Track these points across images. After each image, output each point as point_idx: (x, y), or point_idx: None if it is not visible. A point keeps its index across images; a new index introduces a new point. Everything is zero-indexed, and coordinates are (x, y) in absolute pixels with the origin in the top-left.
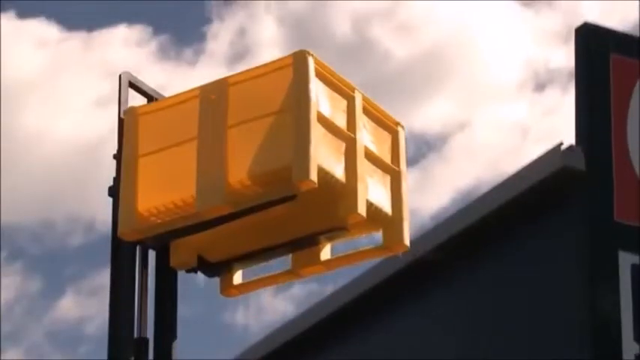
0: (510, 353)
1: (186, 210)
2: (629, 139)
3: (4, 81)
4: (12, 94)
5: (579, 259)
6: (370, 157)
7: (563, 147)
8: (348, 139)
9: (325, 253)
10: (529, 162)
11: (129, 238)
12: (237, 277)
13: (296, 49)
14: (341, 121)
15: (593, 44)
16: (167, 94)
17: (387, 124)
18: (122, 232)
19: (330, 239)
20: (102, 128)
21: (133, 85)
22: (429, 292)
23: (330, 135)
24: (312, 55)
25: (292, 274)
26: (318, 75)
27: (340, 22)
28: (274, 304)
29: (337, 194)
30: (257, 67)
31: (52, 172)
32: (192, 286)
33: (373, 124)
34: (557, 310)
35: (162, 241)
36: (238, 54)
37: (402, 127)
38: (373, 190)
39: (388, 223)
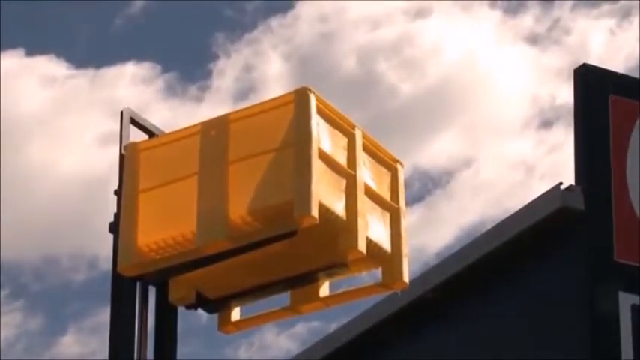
0: None
1: (186, 245)
2: (628, 178)
3: (9, 117)
4: (17, 130)
5: (579, 299)
6: (370, 194)
7: (562, 187)
8: (348, 176)
9: (324, 289)
10: (528, 202)
11: (128, 273)
12: (236, 314)
13: (302, 85)
14: (341, 158)
15: (592, 85)
16: (170, 130)
17: (386, 162)
18: (122, 267)
19: (329, 276)
20: (105, 165)
21: (135, 122)
22: (431, 330)
23: (330, 172)
24: (314, 92)
25: (291, 310)
26: (320, 112)
27: (346, 58)
28: (277, 341)
29: (337, 230)
30: (258, 104)
31: (55, 208)
32: (195, 321)
33: (373, 162)
34: (557, 351)
35: (162, 276)
36: (244, 90)
37: (401, 164)
38: (373, 227)
39: (387, 260)
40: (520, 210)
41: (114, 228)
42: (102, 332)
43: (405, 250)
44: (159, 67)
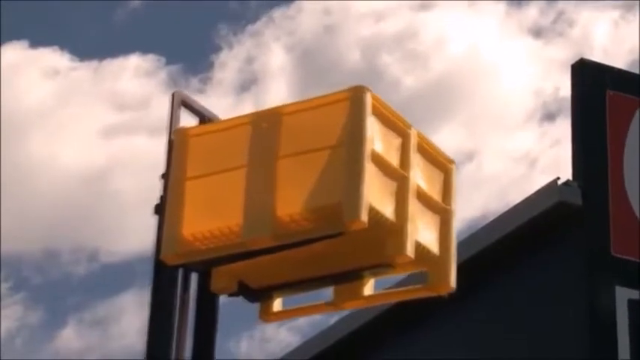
0: None
1: (231, 238)
2: (625, 173)
3: (11, 109)
4: (19, 122)
5: (576, 293)
6: (421, 195)
7: (560, 182)
8: (400, 177)
9: (368, 287)
10: (526, 197)
11: (171, 261)
12: (277, 304)
13: (304, 78)
14: (394, 159)
15: (590, 80)
16: (178, 123)
17: (439, 162)
18: (165, 256)
19: (374, 274)
20: (107, 158)
21: (186, 104)
22: (429, 324)
23: (382, 173)
24: (370, 91)
25: (333, 306)
26: (375, 111)
27: (349, 51)
28: (278, 334)
29: (386, 233)
30: (312, 99)
31: (56, 201)
32: None
33: (426, 161)
34: (554, 345)
35: (205, 266)
36: (246, 82)
37: (454, 163)
38: (422, 230)
39: (435, 262)
40: (518, 204)
41: (159, 210)
42: (102, 326)
43: (454, 253)
44: (163, 60)
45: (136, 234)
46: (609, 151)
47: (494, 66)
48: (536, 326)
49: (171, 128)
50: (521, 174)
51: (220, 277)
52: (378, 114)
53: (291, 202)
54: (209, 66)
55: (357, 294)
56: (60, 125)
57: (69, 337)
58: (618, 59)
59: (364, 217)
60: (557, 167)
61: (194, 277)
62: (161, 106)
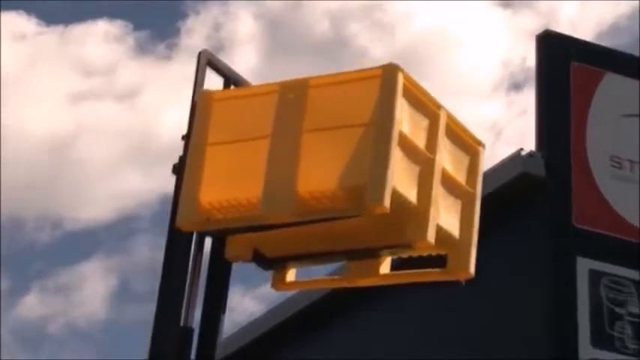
0: (470, 353)
1: (250, 210)
2: (588, 145)
3: None
4: None
5: (538, 264)
6: (446, 178)
7: (523, 153)
8: (426, 160)
9: (385, 266)
10: (489, 168)
11: (187, 228)
12: (291, 274)
13: (272, 46)
14: (421, 140)
15: (555, 51)
16: (144, 90)
17: (468, 143)
18: (181, 223)
19: (391, 254)
20: (74, 124)
21: (212, 65)
22: (377, 304)
23: (408, 156)
24: (402, 71)
25: (347, 281)
26: (405, 90)
27: (317, 20)
28: (243, 303)
29: (407, 215)
30: (341, 73)
31: (21, 167)
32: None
33: (454, 143)
34: (515, 315)
35: (221, 234)
36: (213, 49)
37: (484, 146)
38: (445, 214)
39: (455, 246)
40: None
41: (177, 170)
42: (65, 292)
43: (475, 237)
44: (130, 25)
45: (101, 201)
46: (572, 123)
47: (461, 36)
48: (499, 296)
49: (195, 89)
50: (487, 144)
51: (235, 244)
52: (409, 94)
53: (312, 179)
54: (176, 32)
55: (373, 271)
56: (26, 91)
57: (32, 304)
58: (586, 30)
59: (387, 202)
60: (524, 137)
61: (208, 241)
62: (129, 72)
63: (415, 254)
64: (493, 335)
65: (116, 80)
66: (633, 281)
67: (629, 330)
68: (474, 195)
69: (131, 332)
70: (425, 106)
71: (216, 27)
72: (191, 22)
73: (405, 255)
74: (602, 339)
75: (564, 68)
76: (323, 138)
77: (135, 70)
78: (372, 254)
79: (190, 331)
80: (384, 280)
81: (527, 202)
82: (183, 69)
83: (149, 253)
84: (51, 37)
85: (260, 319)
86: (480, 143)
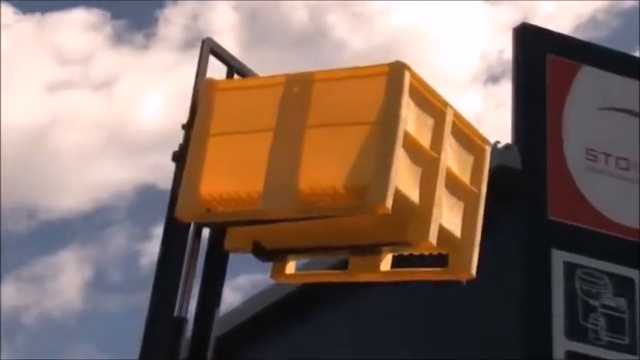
0: (444, 348)
1: (250, 204)
2: (563, 138)
3: None
4: None
5: (513, 256)
6: (451, 178)
7: (500, 146)
8: (431, 160)
9: (386, 262)
10: None
11: (186, 219)
12: (290, 267)
13: (250, 37)
14: (426, 139)
15: (531, 44)
16: (121, 80)
17: (474, 142)
18: (180, 214)
19: (392, 251)
20: (50, 113)
21: (216, 53)
22: (349, 294)
23: (413, 155)
24: (409, 69)
25: (348, 275)
26: (412, 89)
27: (296, 10)
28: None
29: (410, 215)
30: (347, 69)
31: None
32: (140, 273)
33: (459, 142)
34: (489, 306)
35: (220, 227)
36: (191, 39)
37: (490, 144)
38: (448, 214)
39: (457, 246)
40: None
41: (177, 158)
42: (40, 283)
43: (477, 238)
44: (108, 14)
45: (77, 191)
46: (548, 116)
47: (441, 28)
48: (473, 288)
49: (198, 77)
50: None
51: (235, 235)
52: (415, 92)
53: (314, 176)
54: (154, 22)
55: (374, 267)
56: (2, 79)
57: (6, 294)
58: (565, 24)
59: (389, 202)
60: (501, 130)
61: (205, 231)
62: (106, 62)
63: (416, 252)
64: (467, 327)
65: (93, 69)
66: (607, 273)
67: (602, 322)
68: (478, 195)
69: (106, 323)
70: (431, 104)
71: (195, 17)
72: (169, 12)
73: (405, 253)
74: (576, 331)
75: (541, 61)
76: (327, 134)
77: (112, 60)
78: (373, 250)
79: (184, 321)
80: (384, 276)
81: (503, 195)
82: (161, 58)
83: (125, 243)
84: (28, 25)
85: (238, 309)
86: (486, 142)
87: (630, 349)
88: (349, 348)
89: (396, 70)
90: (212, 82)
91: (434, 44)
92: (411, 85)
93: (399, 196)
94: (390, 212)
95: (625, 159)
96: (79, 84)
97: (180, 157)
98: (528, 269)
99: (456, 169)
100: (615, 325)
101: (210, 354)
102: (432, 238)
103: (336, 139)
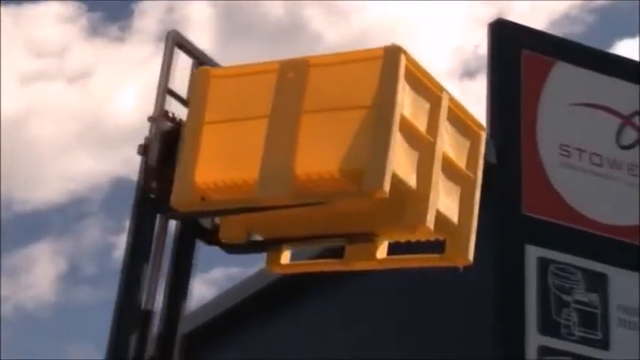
0: (417, 344)
1: (246, 192)
2: (538, 133)
3: None
4: None
5: (487, 251)
6: (447, 163)
7: None
8: (427, 144)
9: (382, 250)
10: None
11: (182, 208)
12: (285, 256)
13: (227, 30)
14: (423, 123)
15: (506, 40)
16: (96, 72)
17: (470, 127)
18: (176, 202)
19: (390, 237)
20: (25, 105)
21: (181, 46)
22: (338, 280)
23: (409, 139)
24: (405, 52)
25: (344, 264)
26: (407, 72)
27: (272, 4)
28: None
29: (407, 200)
30: (342, 53)
31: None
32: (114, 266)
33: (455, 127)
34: (462, 301)
35: (216, 215)
36: (165, 31)
37: (485, 130)
38: (444, 199)
39: (454, 232)
40: None
41: (144, 151)
42: (14, 275)
43: (474, 224)
44: (84, 7)
45: (52, 183)
46: (523, 111)
47: (417, 23)
48: (447, 282)
49: (164, 70)
50: None
51: (230, 224)
52: (411, 76)
53: (311, 162)
54: (129, 14)
55: (370, 255)
56: None
57: None
58: (539, 19)
59: (386, 186)
60: None
61: (172, 223)
62: (81, 54)
63: (414, 239)
64: (441, 321)
65: (68, 61)
66: (580, 269)
67: (575, 317)
68: (474, 180)
69: (80, 315)
70: (427, 88)
71: (170, 10)
72: (144, 5)
73: (403, 239)
74: (548, 326)
75: (516, 57)
76: (322, 119)
77: (87, 52)
78: (370, 238)
79: (152, 314)
80: (380, 264)
81: (481, 190)
82: (136, 51)
83: (99, 236)
84: (3, 17)
85: (211, 303)
86: (481, 127)
87: (602, 344)
88: (322, 343)
89: (392, 54)
90: (206, 71)
91: (409, 38)
92: (407, 69)
93: (396, 181)
94: (387, 196)
95: (598, 155)
96: (54, 76)
97: (146, 150)
98: (502, 264)
99: (452, 155)
100: (588, 320)
101: (177, 347)
102: (430, 222)
103: (331, 124)
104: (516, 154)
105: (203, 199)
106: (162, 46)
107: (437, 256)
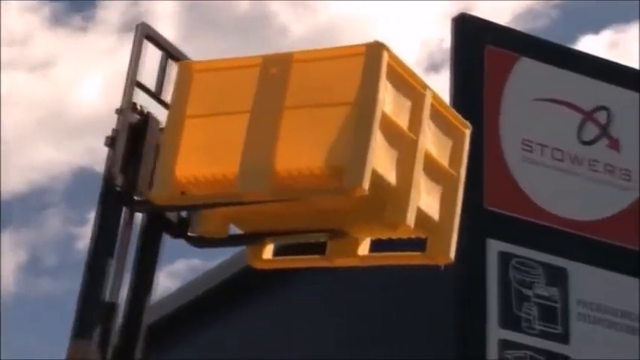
0: (377, 338)
1: (226, 187)
2: (500, 128)
3: None
4: None
5: None
6: (429, 160)
7: None
8: (409, 142)
9: (364, 247)
10: None
11: (162, 202)
12: (268, 251)
13: (192, 22)
14: (405, 121)
15: (470, 35)
16: (58, 61)
17: (453, 125)
18: (155, 196)
19: (371, 235)
20: None
21: (151, 38)
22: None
23: (391, 137)
24: (387, 49)
25: (325, 260)
26: (390, 69)
27: None
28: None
29: (388, 197)
30: (325, 49)
31: None
32: (76, 257)
33: (438, 125)
34: (422, 296)
35: (195, 209)
36: (130, 23)
37: (469, 128)
38: (426, 197)
39: (436, 230)
40: None
41: (111, 143)
42: None
43: (456, 222)
44: None
45: (12, 173)
46: (486, 106)
47: (383, 15)
48: (407, 276)
49: (133, 62)
50: None
51: (210, 218)
52: (393, 73)
53: (291, 158)
54: (92, 4)
55: (352, 252)
56: None
57: None
58: (504, 13)
59: (366, 184)
60: None
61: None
62: (43, 43)
63: (394, 236)
64: (401, 315)
65: (30, 50)
66: (541, 263)
67: (535, 311)
68: (457, 178)
69: (41, 306)
70: (410, 86)
71: (134, 1)
72: None
73: (384, 237)
74: (509, 320)
75: (479, 51)
76: (304, 115)
77: (50, 41)
78: (351, 234)
79: (115, 306)
80: (362, 261)
81: None
82: (99, 41)
83: (60, 226)
84: None
85: (172, 295)
86: (465, 125)
87: (562, 338)
88: (286, 334)
89: (374, 51)
90: (189, 64)
91: (375, 31)
92: (389, 66)
93: (376, 178)
94: (366, 194)
95: (560, 150)
96: (17, 65)
97: (113, 142)
98: (463, 259)
99: (434, 153)
100: (548, 314)
101: (141, 339)
102: (410, 220)
103: (313, 120)
104: (479, 149)
105: (183, 193)
106: (126, 37)
107: (418, 254)
